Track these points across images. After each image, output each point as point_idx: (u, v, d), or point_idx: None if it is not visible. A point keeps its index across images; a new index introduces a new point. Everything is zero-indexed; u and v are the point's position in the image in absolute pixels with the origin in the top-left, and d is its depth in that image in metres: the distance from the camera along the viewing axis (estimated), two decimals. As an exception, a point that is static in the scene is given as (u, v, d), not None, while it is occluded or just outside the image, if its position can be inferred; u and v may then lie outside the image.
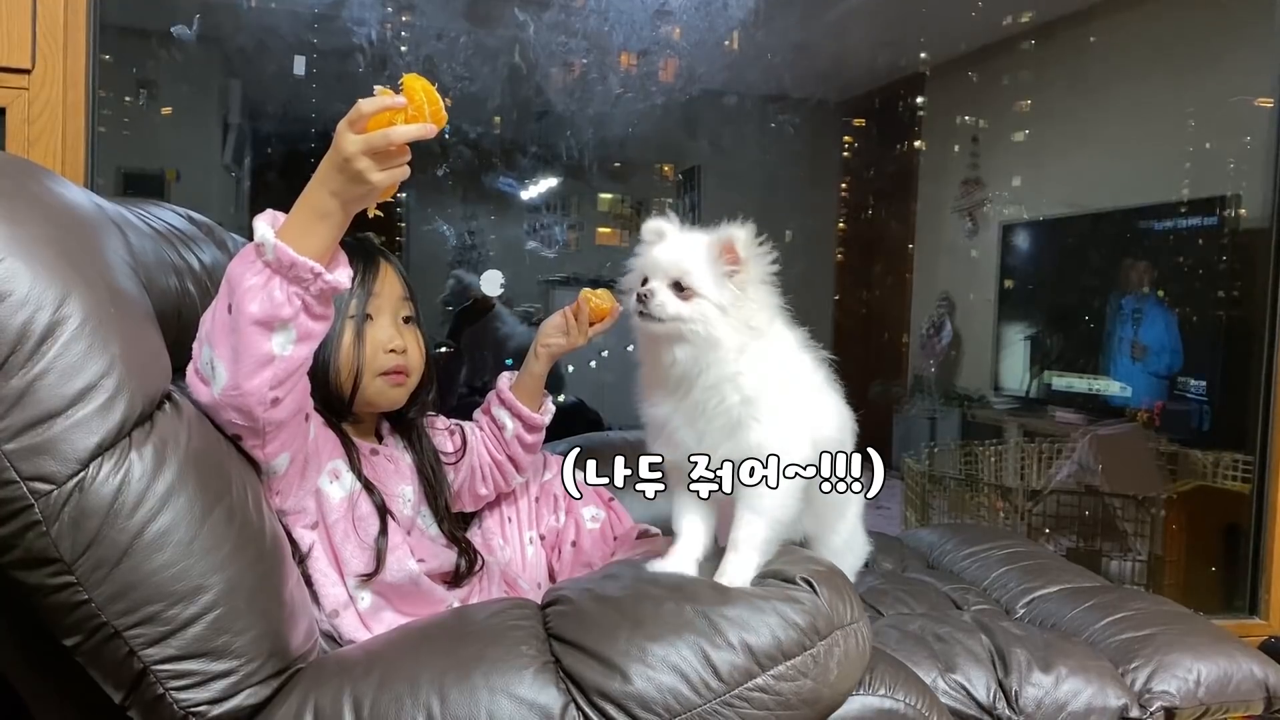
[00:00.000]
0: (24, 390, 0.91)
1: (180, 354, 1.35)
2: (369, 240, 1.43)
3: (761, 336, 1.24)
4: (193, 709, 0.98)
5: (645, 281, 1.24)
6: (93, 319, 0.96)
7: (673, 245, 1.26)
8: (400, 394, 1.41)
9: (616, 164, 4.85)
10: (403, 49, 3.25)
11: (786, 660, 0.98)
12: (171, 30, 3.10)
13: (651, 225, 1.29)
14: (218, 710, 0.99)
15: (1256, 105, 3.06)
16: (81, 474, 0.93)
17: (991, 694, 1.30)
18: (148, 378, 1.01)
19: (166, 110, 3.67)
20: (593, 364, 4.04)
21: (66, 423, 0.93)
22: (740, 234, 1.22)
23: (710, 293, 1.21)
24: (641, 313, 1.21)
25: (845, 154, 5.45)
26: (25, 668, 1.07)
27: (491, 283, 3.94)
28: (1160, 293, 3.87)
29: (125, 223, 1.26)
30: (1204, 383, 3.57)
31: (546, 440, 1.97)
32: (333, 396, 1.34)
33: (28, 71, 1.78)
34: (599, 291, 1.62)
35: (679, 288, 1.22)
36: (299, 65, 3.12)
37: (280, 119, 3.87)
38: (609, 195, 5.38)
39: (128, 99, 3.53)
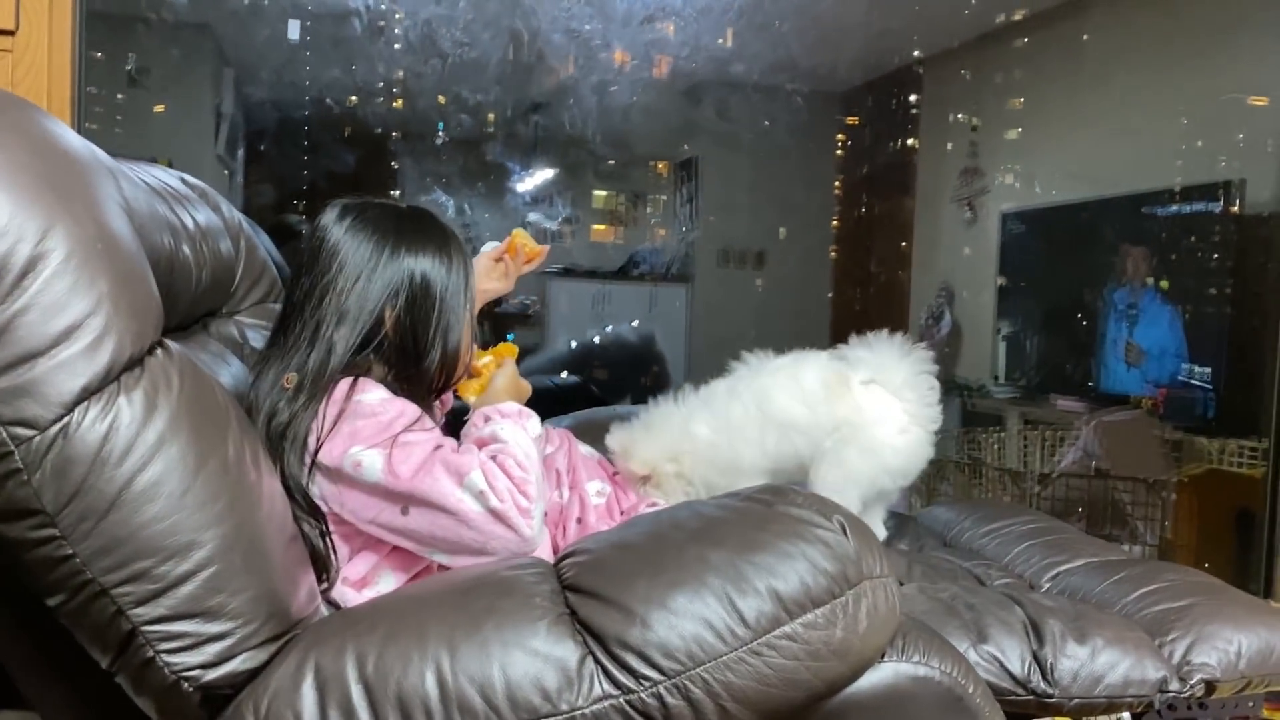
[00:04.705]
0: (3, 327, 0.84)
1: (172, 316, 1.30)
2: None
3: None
4: (184, 673, 0.91)
5: None
6: (78, 254, 0.89)
7: None
8: None
9: (611, 162, 4.81)
10: (398, 15, 3.18)
11: (815, 608, 0.92)
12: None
13: None
14: (211, 675, 0.92)
15: (1251, 103, 3.05)
16: (66, 419, 0.86)
17: (1026, 666, 1.24)
18: (138, 320, 0.94)
19: (159, 108, 3.63)
20: (596, 339, 4.00)
21: (49, 363, 0.86)
22: None
23: None
24: None
25: (841, 137, 5.40)
26: (6, 631, 1.01)
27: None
28: (1163, 283, 3.82)
29: (118, 172, 1.19)
30: (1208, 369, 3.53)
31: (548, 416, 1.92)
32: (440, 382, 1.32)
33: (11, 33, 1.71)
34: (522, 231, 1.62)
35: None
36: (293, 29, 3.05)
37: (274, 104, 3.82)
38: (603, 192, 5.34)
39: (120, 96, 3.49)
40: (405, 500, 1.14)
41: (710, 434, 1.58)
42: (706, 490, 1.57)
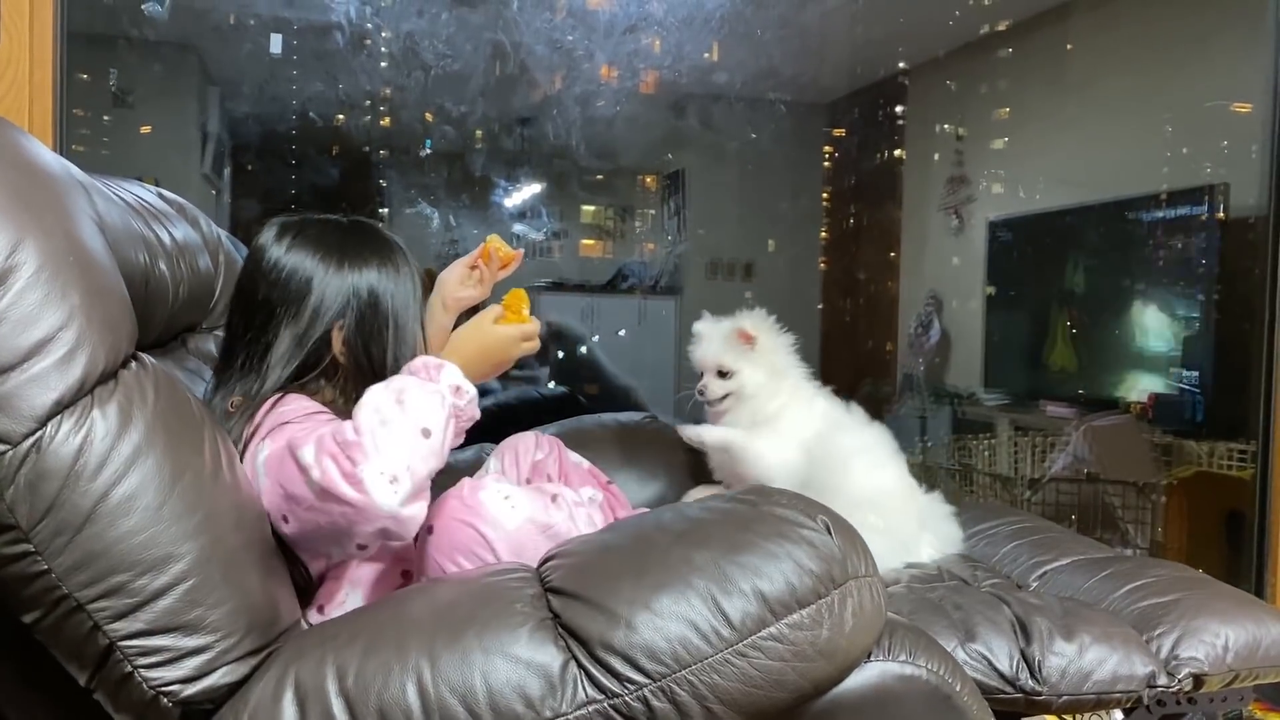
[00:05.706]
0: (-27, 342, 0.84)
1: (149, 331, 1.29)
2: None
3: (785, 378, 1.72)
4: (163, 688, 0.90)
5: (701, 376, 1.74)
6: (49, 267, 0.89)
7: (704, 344, 1.75)
8: None
9: (599, 176, 4.82)
10: (384, 32, 3.18)
11: (801, 608, 0.91)
12: (143, 7, 3.02)
13: (694, 329, 1.78)
14: (191, 690, 0.91)
15: (1234, 110, 3.07)
16: (39, 433, 0.86)
17: (1014, 664, 1.24)
18: (112, 333, 0.94)
19: (146, 128, 3.62)
20: (583, 349, 3.99)
21: (21, 377, 0.85)
22: (746, 321, 1.72)
23: (742, 366, 1.70)
24: (702, 401, 1.74)
25: (828, 148, 5.42)
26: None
27: None
28: (1153, 289, 3.83)
29: (93, 188, 1.19)
30: (1196, 373, 3.53)
31: (538, 423, 1.92)
32: None
33: (-9, 51, 1.71)
34: (497, 237, 1.61)
35: (721, 373, 1.72)
36: (275, 43, 3.05)
37: (258, 120, 3.82)
38: (591, 207, 5.34)
39: (106, 118, 3.48)
40: (280, 504, 1.06)
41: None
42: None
